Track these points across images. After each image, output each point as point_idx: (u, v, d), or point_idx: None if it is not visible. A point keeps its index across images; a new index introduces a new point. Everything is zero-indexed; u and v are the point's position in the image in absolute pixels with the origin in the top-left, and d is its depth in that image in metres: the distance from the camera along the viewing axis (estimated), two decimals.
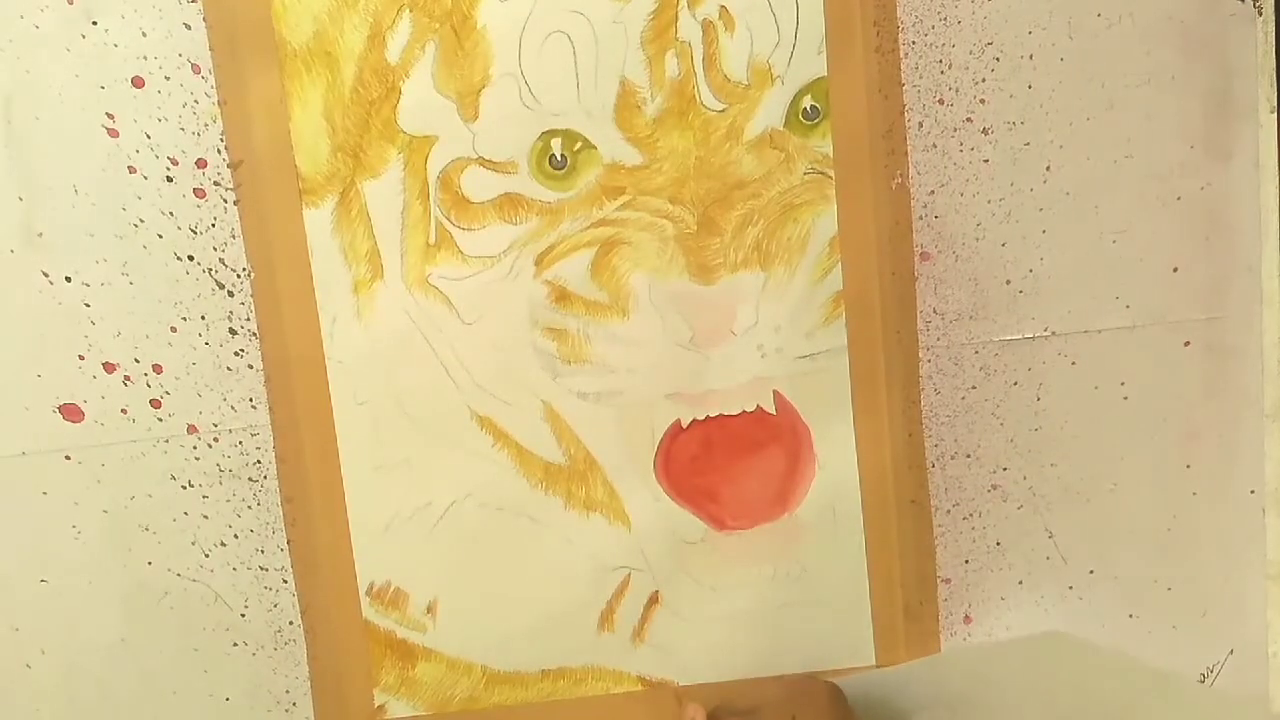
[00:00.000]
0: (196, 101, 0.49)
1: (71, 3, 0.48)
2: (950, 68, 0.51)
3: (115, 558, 0.52)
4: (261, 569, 0.52)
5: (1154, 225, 0.53)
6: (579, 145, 0.50)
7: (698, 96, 0.50)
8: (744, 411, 0.53)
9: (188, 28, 0.48)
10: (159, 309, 0.50)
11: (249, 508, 0.52)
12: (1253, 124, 0.52)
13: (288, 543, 0.52)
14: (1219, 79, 0.51)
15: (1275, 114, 0.52)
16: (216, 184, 0.50)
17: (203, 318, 0.50)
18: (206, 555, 0.52)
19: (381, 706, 0.54)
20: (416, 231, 0.50)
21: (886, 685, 0.55)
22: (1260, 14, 0.51)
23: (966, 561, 0.55)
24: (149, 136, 0.49)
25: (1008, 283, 0.53)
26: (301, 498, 0.52)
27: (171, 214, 0.50)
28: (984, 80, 0.51)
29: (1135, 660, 0.55)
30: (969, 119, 0.51)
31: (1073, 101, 0.51)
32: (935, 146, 0.51)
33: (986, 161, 0.52)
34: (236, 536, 0.52)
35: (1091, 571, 0.55)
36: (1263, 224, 0.53)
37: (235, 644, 0.53)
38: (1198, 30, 0.51)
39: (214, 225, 0.50)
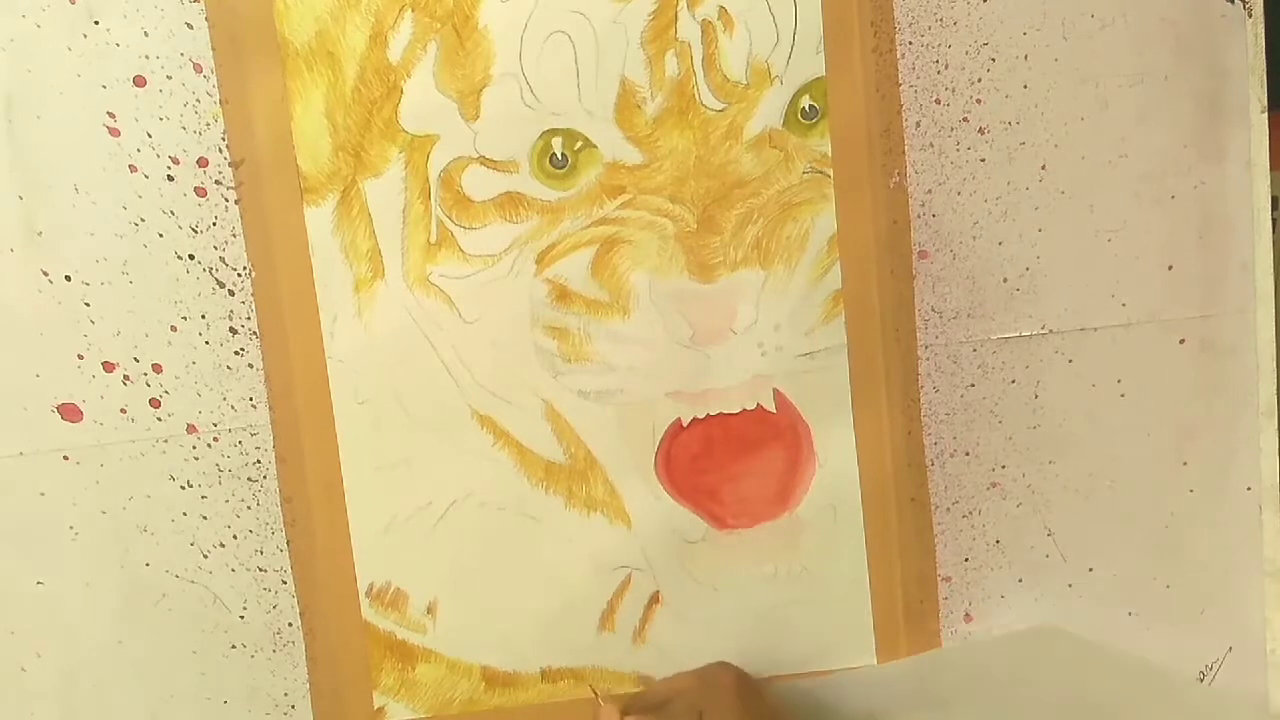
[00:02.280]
0: (198, 101, 0.49)
1: (73, 2, 0.48)
2: (947, 68, 0.51)
3: (113, 559, 0.52)
4: (260, 570, 0.52)
5: (1148, 224, 0.53)
6: (580, 144, 0.50)
7: (697, 96, 0.50)
8: (744, 410, 0.53)
9: (190, 27, 0.49)
10: (159, 308, 0.50)
11: (248, 508, 0.52)
12: (1244, 123, 0.53)
13: (287, 543, 0.52)
14: (1210, 79, 0.52)
15: (1266, 113, 0.52)
16: (218, 183, 0.50)
17: (203, 317, 0.50)
18: (205, 556, 0.52)
19: (381, 709, 0.54)
20: (417, 230, 0.51)
21: (875, 683, 0.55)
22: (1250, 15, 0.52)
23: (966, 560, 0.55)
24: (150, 135, 0.49)
25: (1005, 281, 0.53)
26: (301, 498, 0.52)
27: (172, 213, 0.50)
28: (980, 80, 0.51)
29: (1132, 658, 0.55)
30: (965, 118, 0.52)
31: (1067, 101, 0.52)
32: (932, 146, 0.52)
33: (983, 161, 0.52)
34: (235, 537, 0.52)
35: (1091, 569, 0.55)
36: (1255, 222, 0.53)
37: (234, 646, 0.53)
38: (1189, 31, 0.52)
39: (215, 224, 0.50)
